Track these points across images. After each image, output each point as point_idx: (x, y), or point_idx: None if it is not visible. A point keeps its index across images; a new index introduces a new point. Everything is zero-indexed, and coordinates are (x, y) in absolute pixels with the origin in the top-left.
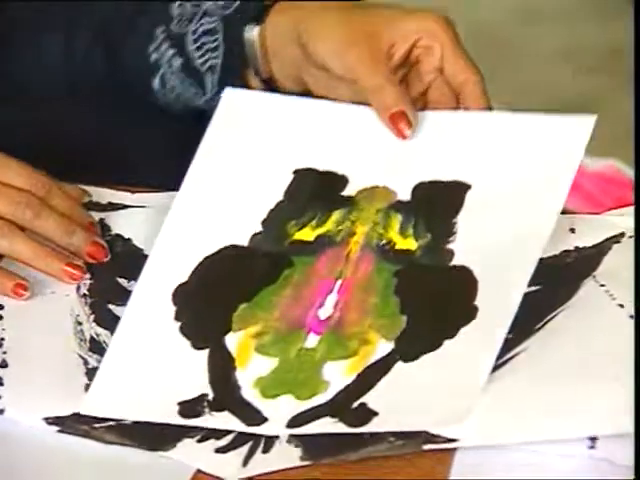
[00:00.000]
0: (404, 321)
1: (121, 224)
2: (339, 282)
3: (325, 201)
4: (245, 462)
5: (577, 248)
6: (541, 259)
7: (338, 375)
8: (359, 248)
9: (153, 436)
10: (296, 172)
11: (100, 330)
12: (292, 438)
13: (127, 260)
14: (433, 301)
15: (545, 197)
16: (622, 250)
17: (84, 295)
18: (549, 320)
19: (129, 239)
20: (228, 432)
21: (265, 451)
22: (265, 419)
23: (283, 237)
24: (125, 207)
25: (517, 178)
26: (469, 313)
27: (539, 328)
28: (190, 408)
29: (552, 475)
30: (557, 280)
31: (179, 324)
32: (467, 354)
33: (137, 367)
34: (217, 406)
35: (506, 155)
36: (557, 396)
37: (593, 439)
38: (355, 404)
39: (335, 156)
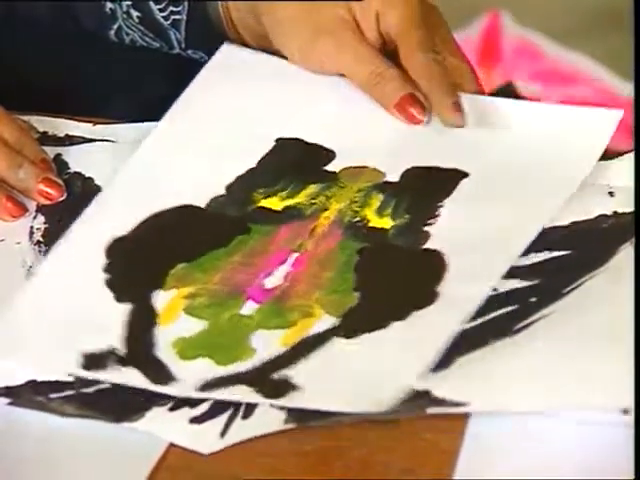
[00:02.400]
0: (356, 298)
1: (81, 160)
2: (295, 255)
3: (304, 173)
4: (223, 432)
5: (616, 213)
6: (574, 223)
7: (269, 344)
8: (328, 224)
9: (117, 404)
10: (278, 141)
11: None
12: None
13: (87, 202)
14: (391, 281)
15: (546, 193)
16: None
17: (38, 242)
18: (579, 285)
19: (90, 178)
20: (203, 399)
21: (245, 416)
22: (173, 379)
23: (247, 203)
24: (86, 141)
25: (522, 171)
26: (427, 297)
27: (567, 292)
28: (94, 360)
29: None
30: (590, 244)
31: (106, 276)
32: (413, 339)
33: (49, 311)
34: (124, 362)
35: (517, 146)
36: (576, 365)
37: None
38: (276, 375)
39: (326, 130)
